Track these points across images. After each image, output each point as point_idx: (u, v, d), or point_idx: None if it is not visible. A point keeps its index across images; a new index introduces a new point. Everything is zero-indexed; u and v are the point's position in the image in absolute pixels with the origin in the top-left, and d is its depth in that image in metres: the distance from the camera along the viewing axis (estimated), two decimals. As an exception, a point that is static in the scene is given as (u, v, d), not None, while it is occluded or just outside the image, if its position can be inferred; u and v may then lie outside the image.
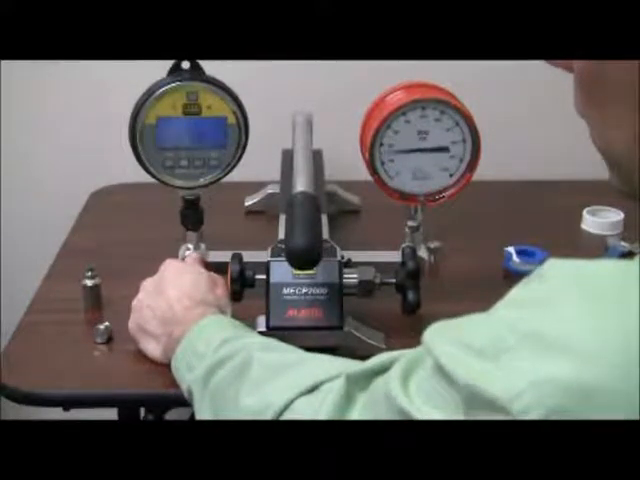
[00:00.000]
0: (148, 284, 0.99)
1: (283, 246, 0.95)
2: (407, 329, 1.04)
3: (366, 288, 0.99)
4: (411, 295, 0.99)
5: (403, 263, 1.02)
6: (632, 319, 0.52)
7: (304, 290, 0.98)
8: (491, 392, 0.56)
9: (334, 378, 0.77)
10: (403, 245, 1.06)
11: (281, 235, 1.07)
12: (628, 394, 0.52)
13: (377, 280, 0.99)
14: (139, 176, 1.04)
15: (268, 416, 0.79)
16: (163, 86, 1.00)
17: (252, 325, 0.98)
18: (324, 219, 1.13)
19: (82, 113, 1.50)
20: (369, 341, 0.99)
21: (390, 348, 1.00)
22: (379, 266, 1.01)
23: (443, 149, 1.02)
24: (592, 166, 1.60)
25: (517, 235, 1.23)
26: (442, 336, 0.62)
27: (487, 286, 1.07)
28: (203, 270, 1.00)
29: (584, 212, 1.34)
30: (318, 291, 0.98)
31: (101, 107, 1.49)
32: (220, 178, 1.04)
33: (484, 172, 1.05)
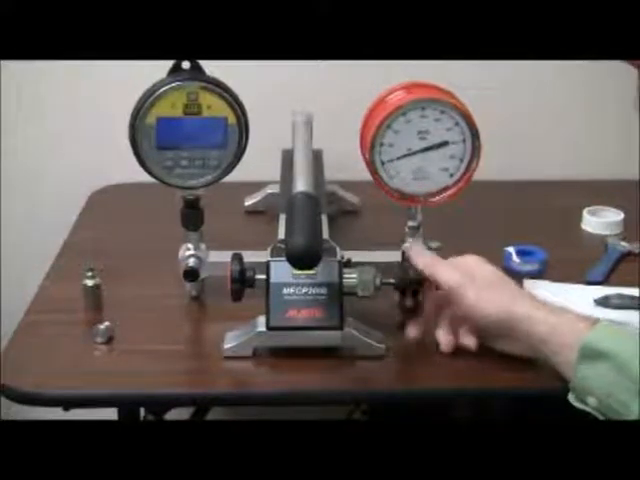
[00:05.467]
0: None
1: (283, 246, 0.95)
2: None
3: (366, 288, 0.99)
4: (410, 295, 0.99)
5: (403, 263, 1.02)
6: None
7: (304, 290, 0.98)
8: None
9: None
10: (403, 245, 1.06)
11: (281, 235, 1.07)
12: None
13: (377, 280, 0.99)
14: (139, 176, 1.03)
15: None
16: (163, 86, 1.00)
17: (252, 325, 0.99)
18: (324, 219, 1.13)
19: (82, 113, 1.50)
20: (369, 341, 0.99)
21: (390, 348, 1.00)
22: (379, 266, 1.01)
23: (443, 144, 1.02)
24: (592, 166, 1.61)
25: (517, 235, 1.23)
26: None
27: (487, 286, 1.07)
28: None
29: (584, 212, 1.34)
30: (318, 291, 0.98)
31: (101, 107, 1.48)
32: (220, 178, 1.04)
33: (484, 172, 1.05)
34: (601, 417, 0.85)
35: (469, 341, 0.98)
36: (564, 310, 0.93)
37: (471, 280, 0.96)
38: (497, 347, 0.97)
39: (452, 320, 0.99)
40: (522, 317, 0.92)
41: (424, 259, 1.00)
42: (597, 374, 0.85)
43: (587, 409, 0.87)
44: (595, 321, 0.89)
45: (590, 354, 0.86)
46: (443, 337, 0.99)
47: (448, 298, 0.98)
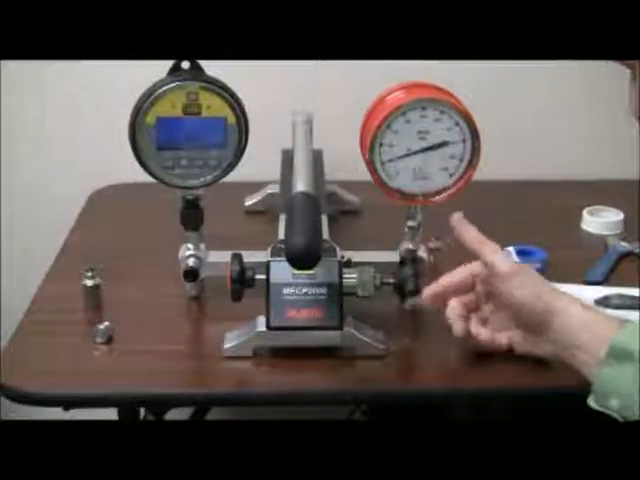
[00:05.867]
0: None
1: (283, 246, 0.95)
2: (407, 329, 1.04)
3: (366, 288, 0.99)
4: (410, 285, 0.99)
5: (402, 263, 1.02)
6: None
7: (304, 290, 0.98)
8: None
9: None
10: (402, 246, 1.06)
11: (281, 235, 1.07)
12: None
13: (377, 280, 0.99)
14: (139, 176, 1.04)
15: None
16: (163, 86, 1.00)
17: (252, 325, 0.99)
18: (324, 219, 1.13)
19: (82, 113, 1.50)
20: (369, 341, 0.99)
21: (390, 348, 1.00)
22: (379, 266, 1.01)
23: (443, 144, 1.02)
24: (592, 166, 1.61)
25: (517, 235, 1.23)
26: None
27: (487, 286, 1.07)
28: None
29: (584, 212, 1.34)
30: (318, 291, 0.98)
31: (101, 107, 1.49)
32: (220, 178, 1.04)
33: (484, 172, 1.05)
34: (622, 420, 0.84)
35: (503, 338, 0.97)
36: (594, 307, 0.93)
37: (517, 268, 0.96)
38: (521, 348, 0.96)
39: (481, 315, 0.99)
40: (558, 310, 0.92)
41: (472, 233, 0.99)
42: (621, 375, 0.84)
43: (608, 412, 0.85)
44: (624, 321, 0.89)
45: (618, 354, 0.85)
46: (481, 330, 0.98)
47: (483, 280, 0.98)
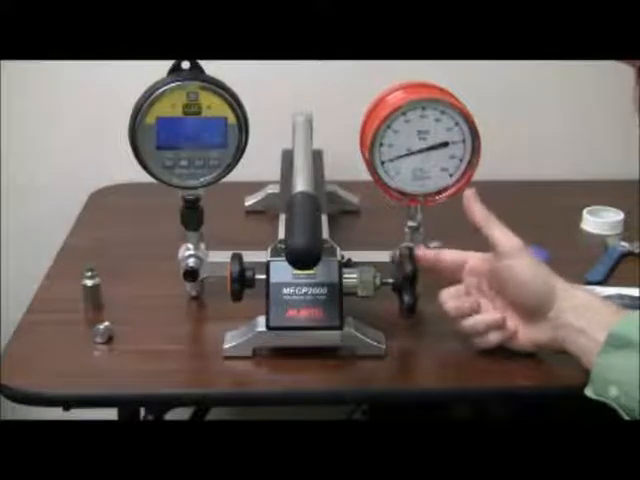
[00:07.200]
0: None
1: (283, 246, 0.95)
2: (407, 329, 1.04)
3: (366, 288, 0.99)
4: (407, 298, 0.99)
5: (400, 264, 1.02)
6: None
7: (304, 290, 0.98)
8: None
9: None
10: (401, 245, 1.06)
11: (281, 235, 1.07)
12: None
13: (377, 280, 0.99)
14: (139, 176, 1.04)
15: None
16: (163, 86, 1.00)
17: (252, 325, 0.99)
18: (324, 219, 1.13)
19: (82, 113, 1.50)
20: (369, 341, 0.99)
21: (390, 348, 1.00)
22: (379, 266, 1.01)
23: (443, 144, 1.02)
24: (592, 166, 1.61)
25: (517, 235, 1.23)
26: None
27: (487, 286, 1.07)
28: None
29: (584, 212, 1.34)
30: (318, 291, 0.98)
31: (101, 107, 1.49)
32: (220, 178, 1.04)
33: (484, 172, 1.05)
34: (620, 410, 0.84)
35: (510, 323, 0.97)
36: (595, 293, 0.93)
37: (522, 245, 0.96)
38: (519, 334, 0.96)
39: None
40: (561, 291, 0.92)
41: (479, 208, 0.99)
42: (622, 362, 0.84)
43: (606, 401, 0.85)
44: (624, 310, 0.89)
45: (617, 342, 0.85)
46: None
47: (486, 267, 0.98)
